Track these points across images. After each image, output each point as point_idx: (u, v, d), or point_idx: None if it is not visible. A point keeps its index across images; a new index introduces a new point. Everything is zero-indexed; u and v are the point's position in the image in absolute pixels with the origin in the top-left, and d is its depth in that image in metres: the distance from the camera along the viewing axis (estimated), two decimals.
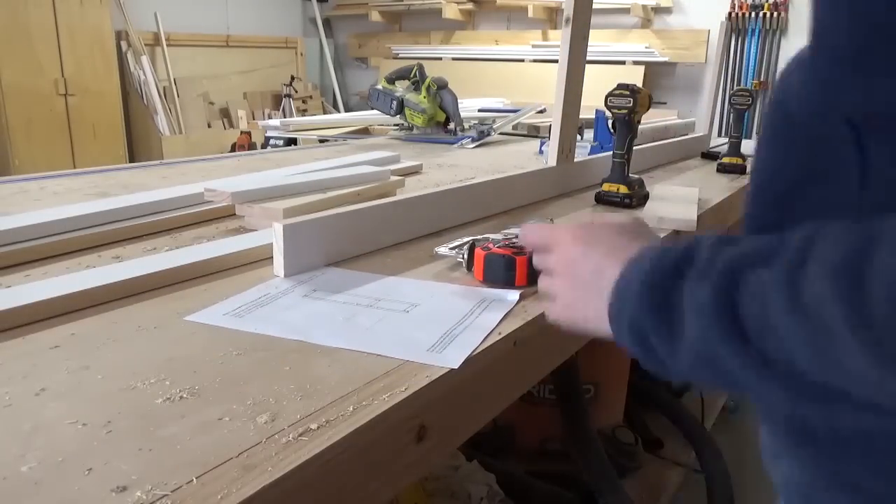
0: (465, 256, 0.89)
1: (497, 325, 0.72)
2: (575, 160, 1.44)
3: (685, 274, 0.39)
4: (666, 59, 4.86)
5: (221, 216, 1.13)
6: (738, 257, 0.37)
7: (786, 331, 0.34)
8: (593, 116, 1.88)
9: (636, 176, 1.36)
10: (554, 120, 1.37)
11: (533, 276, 0.76)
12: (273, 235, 0.84)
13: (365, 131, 2.67)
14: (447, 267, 0.91)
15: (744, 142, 1.91)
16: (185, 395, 0.54)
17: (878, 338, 0.30)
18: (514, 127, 2.43)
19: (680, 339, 0.39)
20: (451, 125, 2.22)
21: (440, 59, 5.71)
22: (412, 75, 2.20)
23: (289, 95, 5.81)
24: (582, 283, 0.51)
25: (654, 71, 5.00)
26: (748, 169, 1.83)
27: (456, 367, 0.62)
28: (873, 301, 0.29)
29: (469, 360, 0.64)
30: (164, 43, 5.41)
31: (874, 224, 0.31)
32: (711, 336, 0.37)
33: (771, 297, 0.34)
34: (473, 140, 2.14)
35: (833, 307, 0.31)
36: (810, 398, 0.38)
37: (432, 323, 0.71)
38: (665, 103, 4.85)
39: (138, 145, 5.32)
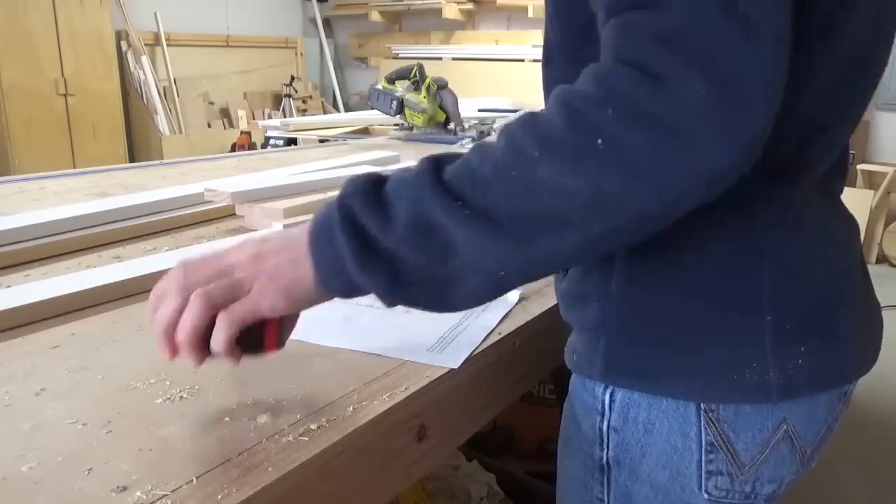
0: None
1: (497, 325, 0.72)
2: None
3: (381, 183, 0.47)
4: None
5: (221, 216, 1.13)
6: (434, 159, 0.47)
7: (484, 176, 0.43)
8: None
9: None
10: None
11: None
12: None
13: (365, 131, 2.67)
14: None
15: None
16: (185, 395, 0.54)
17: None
18: None
19: (391, 209, 0.45)
20: (451, 125, 2.22)
21: (440, 59, 5.71)
22: (412, 75, 2.19)
23: (289, 95, 5.81)
24: (272, 265, 0.49)
25: None
26: None
27: (456, 367, 0.62)
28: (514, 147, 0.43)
29: (469, 360, 0.64)
30: (164, 43, 5.40)
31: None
32: (423, 199, 0.44)
33: (470, 161, 0.45)
34: (473, 140, 2.14)
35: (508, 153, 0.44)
36: (503, 239, 0.44)
37: (432, 323, 0.71)
38: None
39: (138, 145, 5.32)
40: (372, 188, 0.47)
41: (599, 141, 0.40)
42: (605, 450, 0.61)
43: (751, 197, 0.52)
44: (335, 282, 0.47)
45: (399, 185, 0.46)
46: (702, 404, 0.55)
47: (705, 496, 0.58)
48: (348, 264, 0.46)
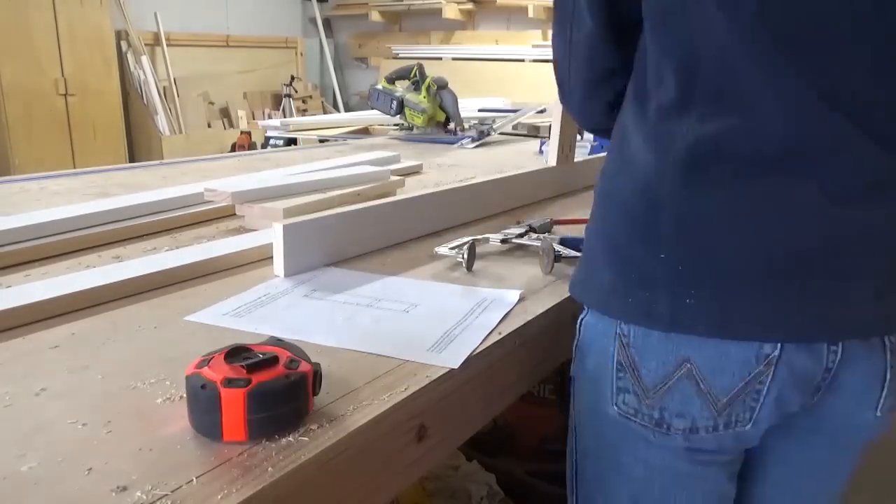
0: (465, 256, 0.89)
1: (497, 325, 0.72)
2: (575, 160, 1.44)
3: None
4: None
5: (221, 216, 1.13)
6: None
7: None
8: None
9: None
10: (554, 120, 1.37)
11: (262, 425, 0.48)
12: (273, 235, 0.84)
13: (365, 131, 2.67)
14: (447, 267, 0.91)
15: None
16: (184, 395, 0.54)
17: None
18: (514, 127, 2.43)
19: None
20: (451, 125, 2.22)
21: (440, 59, 5.71)
22: (412, 75, 2.19)
23: (289, 95, 5.81)
24: None
25: None
26: None
27: (456, 367, 0.62)
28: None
29: (469, 360, 0.64)
30: (164, 43, 5.41)
31: None
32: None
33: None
34: (473, 140, 2.14)
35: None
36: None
37: (432, 323, 0.71)
38: None
39: (138, 145, 5.32)
40: None
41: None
42: (573, 366, 0.77)
43: (660, 151, 0.64)
44: None
45: None
46: (617, 330, 0.67)
47: (615, 409, 0.69)
48: None
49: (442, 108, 2.20)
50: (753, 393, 0.64)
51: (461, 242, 0.93)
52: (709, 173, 0.62)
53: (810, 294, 0.62)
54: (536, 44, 5.25)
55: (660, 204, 0.63)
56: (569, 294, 0.77)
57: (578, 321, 0.74)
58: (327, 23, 6.71)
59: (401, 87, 2.25)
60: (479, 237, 0.97)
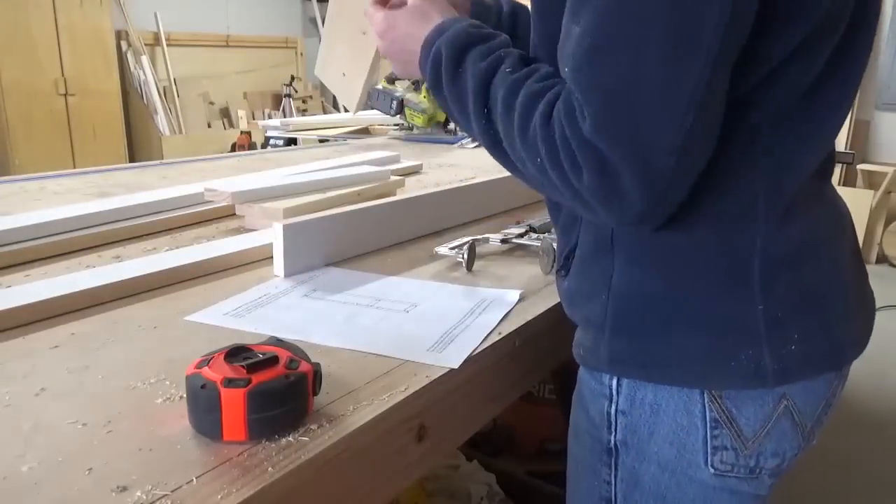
0: (465, 256, 0.89)
1: (497, 325, 0.72)
2: None
3: (476, 45, 0.63)
4: None
5: (221, 216, 1.13)
6: (505, 58, 0.61)
7: (498, 114, 0.59)
8: None
9: None
10: None
11: (262, 425, 0.48)
12: (273, 235, 0.84)
13: (365, 131, 2.67)
14: (447, 267, 0.91)
15: None
16: (184, 395, 0.54)
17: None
18: None
19: (456, 79, 0.63)
20: (451, 125, 2.22)
21: None
22: None
23: (289, 95, 5.81)
24: (404, 34, 0.72)
25: None
26: None
27: (456, 367, 0.62)
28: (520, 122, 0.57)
29: (469, 360, 0.64)
30: (164, 43, 5.41)
31: (547, 83, 0.57)
32: (472, 88, 0.61)
33: (500, 93, 0.59)
34: (473, 140, 2.14)
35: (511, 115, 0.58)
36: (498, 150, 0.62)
37: (432, 323, 0.71)
38: None
39: (138, 145, 5.33)
40: (458, 53, 0.63)
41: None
42: (613, 433, 0.64)
43: (744, 194, 0.56)
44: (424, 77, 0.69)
45: (472, 69, 0.62)
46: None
47: (711, 470, 0.61)
48: (428, 79, 0.67)
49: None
50: (827, 406, 0.64)
51: (461, 242, 0.93)
52: (794, 202, 0.57)
53: (861, 299, 0.65)
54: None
55: (748, 248, 0.56)
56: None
57: (611, 381, 0.63)
58: None
59: (401, 87, 2.25)
60: (479, 237, 0.97)
